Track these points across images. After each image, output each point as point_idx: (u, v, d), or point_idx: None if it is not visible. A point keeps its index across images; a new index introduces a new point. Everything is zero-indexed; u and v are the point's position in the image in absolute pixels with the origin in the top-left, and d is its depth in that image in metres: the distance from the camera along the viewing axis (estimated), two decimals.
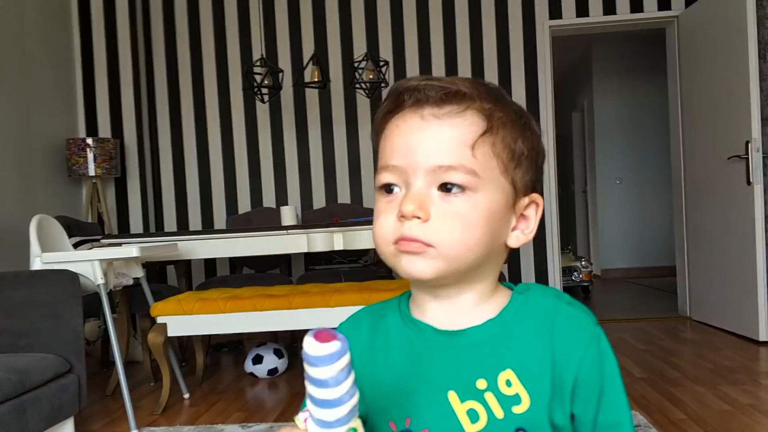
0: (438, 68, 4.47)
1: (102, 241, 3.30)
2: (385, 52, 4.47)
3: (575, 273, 5.46)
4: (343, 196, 4.52)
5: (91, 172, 4.08)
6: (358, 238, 2.95)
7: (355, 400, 0.55)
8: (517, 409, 0.63)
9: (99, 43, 4.41)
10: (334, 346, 0.53)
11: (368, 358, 0.69)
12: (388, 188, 0.65)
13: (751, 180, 3.35)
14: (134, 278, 3.00)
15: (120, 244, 3.15)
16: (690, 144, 4.11)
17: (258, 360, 3.25)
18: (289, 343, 4.09)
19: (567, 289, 5.43)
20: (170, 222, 4.62)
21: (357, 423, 0.56)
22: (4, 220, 3.47)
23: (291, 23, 4.53)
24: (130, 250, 2.66)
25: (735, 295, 3.58)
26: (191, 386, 3.14)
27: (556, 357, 0.64)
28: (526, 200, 0.68)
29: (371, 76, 3.84)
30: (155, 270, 4.35)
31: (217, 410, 2.76)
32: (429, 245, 0.62)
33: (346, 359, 0.54)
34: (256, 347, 3.34)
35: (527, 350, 0.65)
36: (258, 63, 3.91)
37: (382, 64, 3.87)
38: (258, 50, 4.41)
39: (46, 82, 4.04)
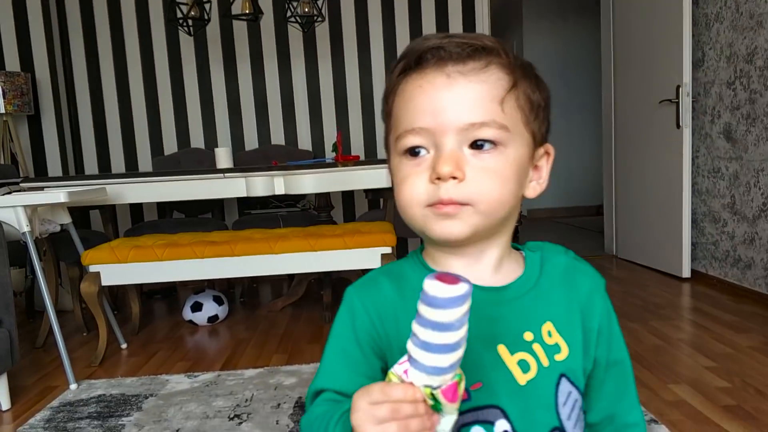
0: (374, 6, 4.33)
1: (22, 185, 3.06)
2: None
3: None
4: (277, 136, 4.37)
5: (1, 109, 3.75)
6: (300, 183, 2.87)
7: (465, 345, 0.54)
8: (558, 357, 0.68)
9: None
10: (463, 288, 0.52)
11: (404, 318, 0.66)
12: (412, 151, 0.64)
13: (680, 124, 3.47)
14: (61, 225, 2.81)
15: (42, 188, 2.93)
16: (621, 87, 4.21)
17: (197, 307, 3.16)
18: (226, 288, 4.01)
19: None
20: (91, 164, 4.35)
21: (460, 369, 0.55)
22: None
23: None
24: (57, 195, 2.48)
25: (661, 235, 3.76)
26: (127, 336, 3.02)
27: (584, 309, 0.70)
28: (541, 150, 0.69)
29: (306, 10, 3.67)
30: (77, 215, 4.11)
31: (159, 360, 2.67)
32: (465, 204, 0.62)
33: (470, 300, 0.53)
34: (194, 294, 3.24)
35: (559, 303, 0.70)
36: None
37: None
38: None
39: None
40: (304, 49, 4.33)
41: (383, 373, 0.66)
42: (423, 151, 0.64)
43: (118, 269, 2.67)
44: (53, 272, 2.97)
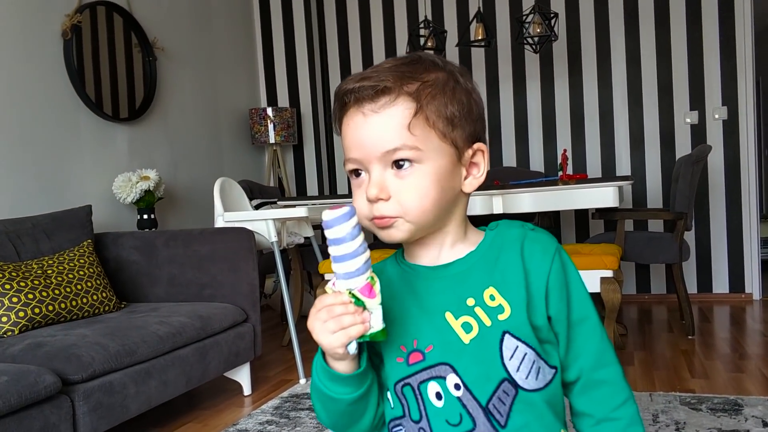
0: (616, 19, 4.12)
1: (278, 203, 3.54)
2: (556, 3, 4.22)
3: None
4: (509, 158, 4.38)
5: (272, 139, 4.37)
6: (518, 202, 2.85)
7: (367, 254, 0.71)
8: (501, 317, 0.77)
9: (276, 19, 4.67)
10: (344, 209, 0.70)
11: None
12: (356, 173, 0.80)
13: None
14: (305, 237, 3.18)
15: (294, 206, 3.35)
16: None
17: None
18: None
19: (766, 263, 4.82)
20: (343, 185, 4.82)
21: (373, 274, 0.72)
22: (196, 183, 3.86)
23: None
24: (299, 210, 2.82)
25: None
26: None
27: (528, 270, 0.79)
28: (470, 151, 0.80)
29: (539, 30, 3.65)
30: None
31: None
32: (396, 217, 0.76)
33: (355, 219, 0.70)
34: None
35: (504, 269, 0.79)
36: (422, 25, 3.89)
37: (551, 16, 3.66)
38: (423, 12, 4.39)
39: (230, 58, 4.38)
40: (540, 68, 4.29)
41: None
42: (362, 173, 0.79)
43: None
44: (299, 279, 3.35)
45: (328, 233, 0.70)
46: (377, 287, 0.71)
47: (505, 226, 0.84)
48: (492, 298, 0.78)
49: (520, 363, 0.77)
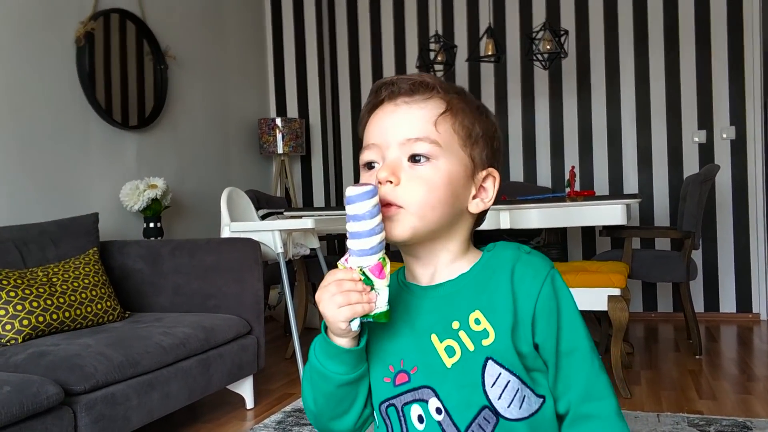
0: (625, 38, 4.13)
1: (285, 213, 3.53)
2: (567, 21, 4.22)
3: None
4: (516, 173, 4.37)
5: (280, 150, 4.37)
6: (525, 218, 2.83)
7: (383, 235, 0.73)
8: (485, 342, 0.76)
9: (288, 31, 4.69)
10: (367, 187, 0.72)
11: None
12: (369, 165, 0.80)
13: None
14: (311, 249, 3.17)
15: (300, 217, 3.34)
16: None
17: None
18: None
19: None
20: None
21: (385, 255, 0.74)
22: (203, 192, 3.86)
23: None
24: (306, 222, 2.81)
25: None
26: None
27: (517, 294, 0.76)
28: (483, 173, 0.82)
29: (548, 47, 3.65)
30: (335, 243, 4.58)
31: None
32: (400, 207, 0.76)
33: (376, 199, 0.73)
34: None
35: (492, 293, 0.77)
36: (432, 39, 3.90)
37: (561, 33, 3.66)
38: (434, 26, 4.40)
39: (241, 69, 4.39)
40: (549, 85, 4.29)
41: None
42: (376, 165, 0.80)
43: None
44: (303, 291, 3.34)
45: (349, 209, 0.72)
46: (387, 269, 0.73)
47: (500, 247, 0.82)
48: (477, 322, 0.77)
49: (503, 390, 0.75)
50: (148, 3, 3.49)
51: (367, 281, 0.73)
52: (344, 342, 0.78)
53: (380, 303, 0.73)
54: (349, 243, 0.73)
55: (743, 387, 2.62)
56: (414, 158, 0.77)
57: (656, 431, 2.09)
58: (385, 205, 0.75)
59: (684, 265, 3.15)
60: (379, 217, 0.73)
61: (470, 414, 0.75)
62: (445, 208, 0.77)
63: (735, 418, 2.21)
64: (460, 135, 0.79)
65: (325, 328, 0.79)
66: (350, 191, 0.72)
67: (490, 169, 0.82)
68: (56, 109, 2.93)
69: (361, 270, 0.73)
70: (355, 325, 0.74)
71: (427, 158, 0.76)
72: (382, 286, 0.73)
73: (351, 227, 0.73)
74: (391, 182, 0.76)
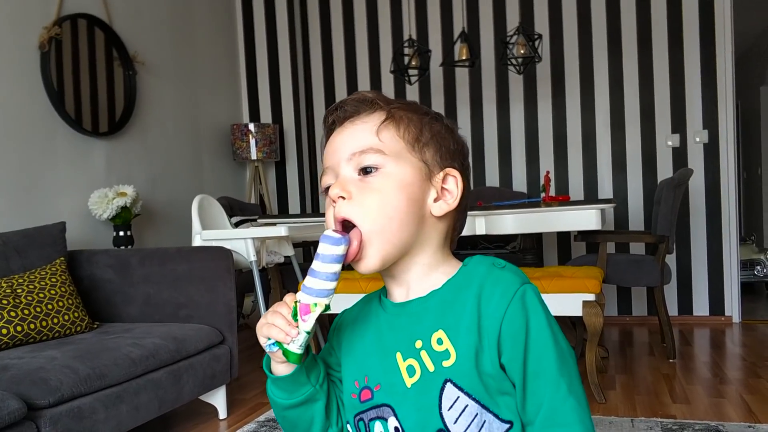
0: (599, 42, 4.16)
1: (259, 221, 3.49)
2: (541, 25, 4.24)
3: (758, 267, 4.86)
4: (492, 178, 4.38)
5: (254, 155, 4.33)
6: (501, 223, 2.83)
7: (334, 285, 0.74)
8: (446, 363, 0.74)
9: (260, 35, 4.64)
10: (339, 235, 0.74)
11: (348, 332, 0.86)
12: (327, 190, 0.80)
13: None
14: (285, 256, 3.13)
15: (274, 224, 3.30)
16: None
17: None
18: None
19: (748, 285, 4.86)
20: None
21: (323, 305, 0.74)
22: (174, 200, 3.79)
23: (442, 1, 4.44)
24: (279, 229, 2.78)
25: None
26: None
27: (482, 314, 0.73)
28: (441, 174, 0.80)
29: (522, 51, 3.66)
30: (310, 250, 4.54)
31: None
32: (358, 229, 0.75)
33: (344, 248, 0.74)
34: None
35: (458, 312, 0.75)
36: (406, 44, 3.89)
37: (535, 37, 3.67)
38: (408, 31, 4.39)
39: (213, 73, 4.34)
40: (523, 89, 4.31)
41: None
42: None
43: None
44: (278, 299, 3.29)
45: (320, 247, 0.74)
46: (313, 316, 0.74)
47: (474, 263, 0.79)
48: (440, 342, 0.75)
49: (459, 415, 0.72)
50: (114, 8, 3.43)
51: (295, 317, 0.74)
52: (280, 369, 0.80)
53: (294, 343, 0.74)
54: (306, 278, 0.75)
55: (716, 390, 2.64)
56: (365, 171, 0.77)
57: None
58: (338, 221, 0.77)
59: (658, 269, 3.17)
60: (338, 267, 0.74)
61: None
62: (402, 215, 0.76)
63: (707, 422, 2.22)
64: (407, 140, 0.79)
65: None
66: (327, 232, 0.75)
67: (448, 169, 0.81)
68: (21, 117, 2.85)
69: (295, 302, 0.75)
70: (271, 348, 0.76)
71: (376, 168, 0.77)
72: (302, 329, 0.74)
73: (314, 264, 0.75)
74: (343, 198, 0.76)
